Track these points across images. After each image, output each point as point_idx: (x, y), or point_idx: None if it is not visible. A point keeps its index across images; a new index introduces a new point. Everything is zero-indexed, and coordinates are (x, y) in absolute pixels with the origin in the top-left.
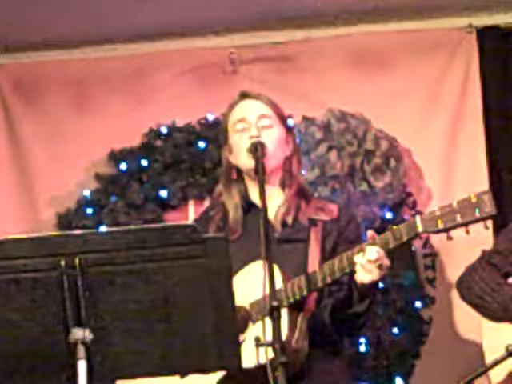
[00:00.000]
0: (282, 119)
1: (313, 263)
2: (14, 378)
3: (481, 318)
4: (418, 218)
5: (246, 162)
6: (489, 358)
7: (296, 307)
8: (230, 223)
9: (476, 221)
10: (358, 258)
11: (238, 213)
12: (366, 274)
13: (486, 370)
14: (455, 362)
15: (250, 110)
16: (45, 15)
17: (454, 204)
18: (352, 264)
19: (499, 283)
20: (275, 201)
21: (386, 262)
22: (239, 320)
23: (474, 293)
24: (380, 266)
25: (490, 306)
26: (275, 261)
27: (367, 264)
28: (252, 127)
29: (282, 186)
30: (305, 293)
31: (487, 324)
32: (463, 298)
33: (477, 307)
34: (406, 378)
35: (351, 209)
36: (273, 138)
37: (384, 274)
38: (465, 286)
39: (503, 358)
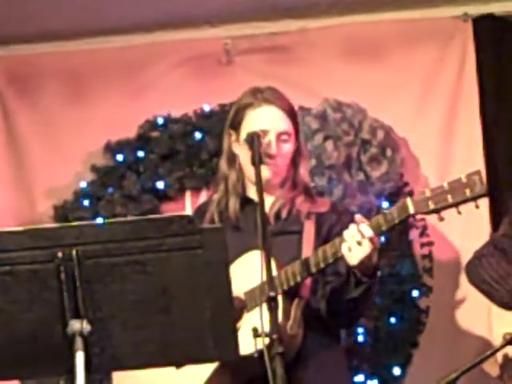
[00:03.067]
0: (296, 125)
1: (306, 255)
2: (12, 369)
3: (490, 304)
4: (408, 199)
5: (250, 169)
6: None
7: (290, 294)
8: (229, 212)
9: (467, 200)
10: (346, 233)
11: (237, 203)
12: (349, 253)
13: (482, 359)
14: (453, 350)
15: (273, 123)
16: (39, 7)
17: (445, 185)
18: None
19: (508, 271)
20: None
21: (369, 232)
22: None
23: (482, 279)
24: (360, 243)
25: (498, 293)
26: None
27: (356, 234)
28: (272, 144)
29: (281, 186)
30: (298, 278)
31: (496, 310)
32: (471, 282)
33: (485, 293)
34: (403, 368)
35: (343, 198)
36: (288, 152)
37: (374, 248)
38: (473, 271)
39: (501, 346)
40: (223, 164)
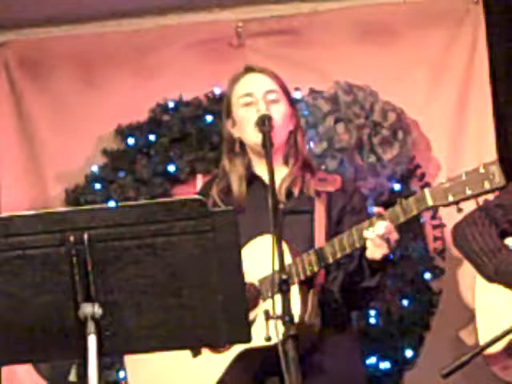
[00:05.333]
0: (287, 93)
1: (319, 234)
2: (24, 353)
3: (475, 274)
4: (426, 191)
5: (252, 135)
6: (480, 317)
7: (306, 283)
8: (234, 195)
9: (486, 192)
10: (368, 233)
11: (243, 185)
12: (376, 248)
13: (492, 341)
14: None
15: (257, 85)
16: None
17: (463, 176)
18: (362, 239)
19: (499, 246)
20: (279, 175)
21: (395, 235)
22: (250, 297)
23: (470, 247)
24: (389, 240)
25: (485, 265)
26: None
27: (377, 239)
28: (259, 102)
29: (286, 161)
30: (315, 269)
31: (481, 281)
32: (458, 246)
33: (471, 261)
34: (415, 350)
35: (354, 180)
36: (279, 113)
37: (393, 247)
38: (462, 236)
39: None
40: (225, 154)
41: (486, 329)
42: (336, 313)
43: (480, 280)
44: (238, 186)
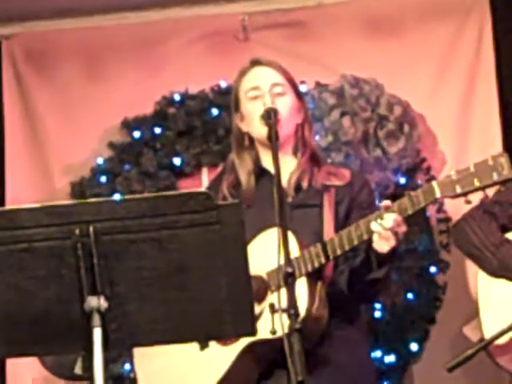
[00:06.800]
0: (294, 86)
1: (328, 228)
2: (29, 346)
3: (478, 270)
4: (434, 182)
5: (259, 129)
6: (483, 312)
7: (314, 275)
8: (243, 190)
9: (494, 184)
10: (375, 226)
11: (251, 180)
12: (383, 242)
13: (498, 335)
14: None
15: (263, 78)
16: None
17: (471, 167)
18: (369, 231)
19: (501, 239)
20: (288, 168)
21: (403, 228)
22: (258, 290)
23: (471, 242)
24: (397, 233)
25: (489, 260)
26: (289, 226)
27: (383, 231)
28: (266, 95)
29: (295, 153)
30: (323, 261)
31: (483, 276)
32: (459, 245)
33: (473, 258)
34: (420, 343)
35: (364, 174)
36: (286, 106)
37: (401, 240)
38: (462, 233)
39: None
40: (233, 149)
41: (491, 323)
42: (344, 306)
43: (482, 275)
44: (246, 180)
